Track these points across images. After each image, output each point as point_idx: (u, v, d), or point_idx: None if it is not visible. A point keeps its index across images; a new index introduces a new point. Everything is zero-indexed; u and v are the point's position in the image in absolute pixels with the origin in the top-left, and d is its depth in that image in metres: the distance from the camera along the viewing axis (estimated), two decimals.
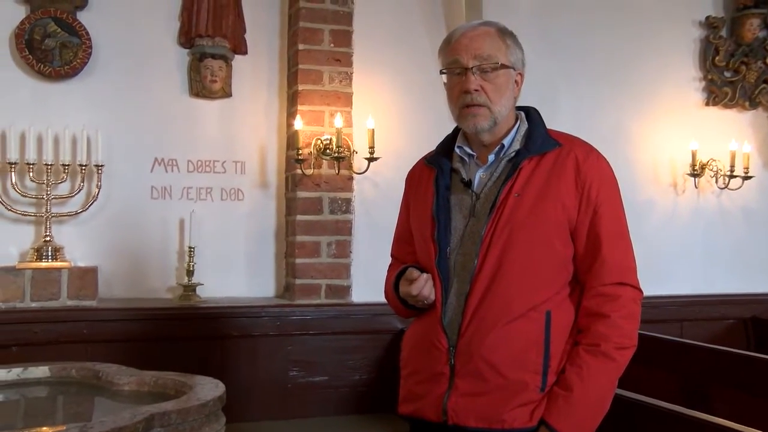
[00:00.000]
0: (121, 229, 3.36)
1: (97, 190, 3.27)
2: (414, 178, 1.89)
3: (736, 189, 4.08)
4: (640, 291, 1.66)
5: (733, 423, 2.04)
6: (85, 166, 3.25)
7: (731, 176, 4.03)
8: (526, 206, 1.63)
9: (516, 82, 1.72)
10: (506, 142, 1.71)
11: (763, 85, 4.23)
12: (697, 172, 4.01)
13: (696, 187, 4.07)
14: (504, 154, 1.71)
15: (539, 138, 1.70)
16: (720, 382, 3.04)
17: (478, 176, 1.72)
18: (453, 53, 1.69)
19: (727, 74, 4.19)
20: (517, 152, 1.69)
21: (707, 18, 4.18)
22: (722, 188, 4.09)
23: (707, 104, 4.18)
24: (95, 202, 3.28)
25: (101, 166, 3.26)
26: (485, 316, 1.61)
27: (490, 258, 1.62)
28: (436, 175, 1.76)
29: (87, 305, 3.11)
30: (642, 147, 4.00)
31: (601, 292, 1.62)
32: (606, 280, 1.63)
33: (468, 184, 1.71)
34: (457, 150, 1.77)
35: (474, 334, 1.62)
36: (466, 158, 1.76)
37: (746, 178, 4.05)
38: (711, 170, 4.05)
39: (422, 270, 1.72)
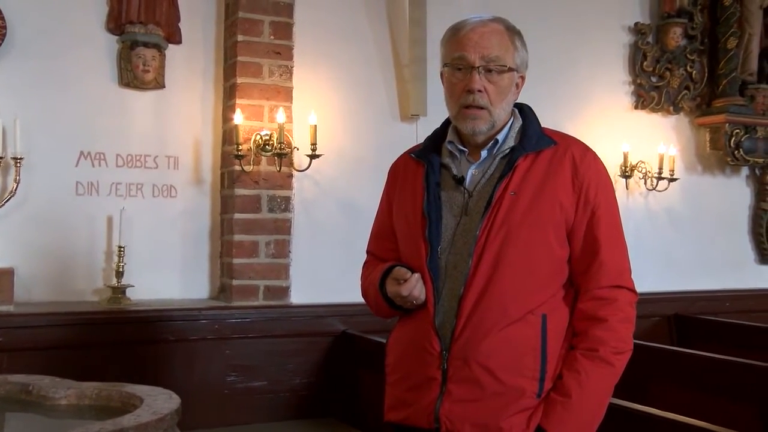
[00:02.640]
0: (41, 228, 3.11)
1: (14, 185, 3.02)
2: (398, 173, 1.79)
3: (662, 191, 4.23)
4: (636, 293, 1.64)
5: (672, 414, 2.12)
6: (1, 158, 2.99)
7: (659, 178, 4.18)
8: (522, 205, 1.58)
9: (517, 84, 1.68)
10: (500, 138, 1.66)
11: (685, 91, 4.42)
12: (627, 173, 4.13)
13: (626, 188, 4.20)
14: (498, 150, 1.66)
15: (534, 135, 1.66)
16: (655, 377, 3.14)
17: (471, 173, 1.66)
18: (460, 48, 1.62)
19: (654, 79, 4.34)
20: (512, 149, 1.65)
21: (636, 24, 4.32)
22: (650, 190, 4.24)
23: (636, 108, 4.33)
24: (12, 198, 3.02)
25: (20, 158, 3.00)
26: (481, 320, 1.55)
27: (486, 258, 1.57)
28: (426, 170, 1.68)
29: (3, 310, 2.86)
30: None
31: (598, 295, 1.59)
32: (603, 283, 1.59)
33: (460, 180, 1.65)
34: (447, 146, 1.71)
35: (469, 338, 1.56)
36: (456, 154, 1.69)
37: (672, 180, 4.21)
38: (640, 172, 4.19)
39: (410, 269, 1.64)
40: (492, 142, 1.66)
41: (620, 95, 4.30)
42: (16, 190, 3.02)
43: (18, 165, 3.00)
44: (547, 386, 1.57)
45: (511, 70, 1.63)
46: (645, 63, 4.30)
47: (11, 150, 2.99)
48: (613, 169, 4.18)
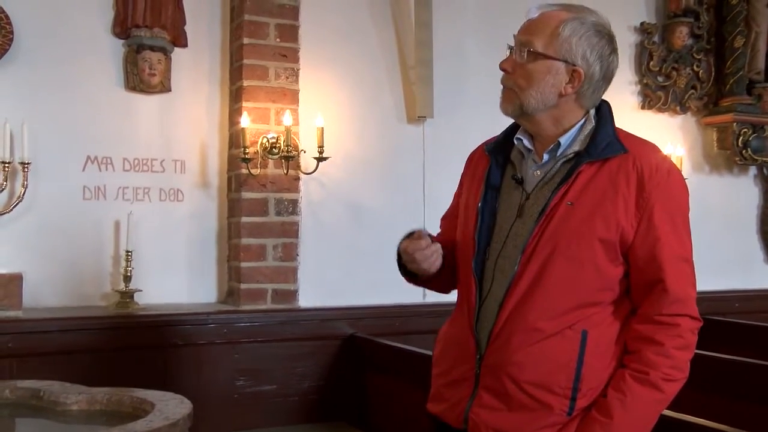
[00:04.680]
0: (49, 233, 3.10)
1: (22, 190, 3.01)
2: (472, 163, 1.75)
3: None
4: (699, 320, 1.53)
5: (679, 414, 2.11)
6: (9, 163, 2.98)
7: None
8: (577, 218, 1.50)
9: (567, 76, 1.54)
10: (563, 140, 1.57)
11: (692, 91, 4.40)
12: None
13: None
14: (561, 153, 1.57)
15: (604, 140, 1.54)
16: None
17: (532, 174, 1.60)
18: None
19: (660, 79, 4.32)
20: (577, 154, 1.55)
21: (642, 24, 4.30)
22: None
23: (643, 108, 4.31)
24: (20, 203, 3.02)
25: (27, 163, 2.99)
26: (515, 330, 1.51)
27: (531, 267, 1.51)
28: (489, 166, 1.64)
29: (11, 316, 2.85)
30: None
31: (657, 320, 1.50)
32: (664, 311, 1.50)
33: (521, 180, 1.60)
34: (515, 141, 1.64)
35: (502, 347, 1.52)
36: (524, 152, 1.63)
37: None
38: None
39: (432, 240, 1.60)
40: (554, 144, 1.58)
41: (626, 95, 4.27)
42: (23, 195, 3.01)
43: (25, 170, 3.00)
44: (581, 404, 1.50)
45: (542, 56, 1.54)
46: (651, 63, 4.28)
47: (19, 155, 2.99)
48: None
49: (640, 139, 1.60)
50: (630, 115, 4.26)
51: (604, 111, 1.62)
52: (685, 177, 4.20)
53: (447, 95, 3.64)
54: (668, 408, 2.16)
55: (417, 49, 3.61)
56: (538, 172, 1.59)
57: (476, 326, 1.57)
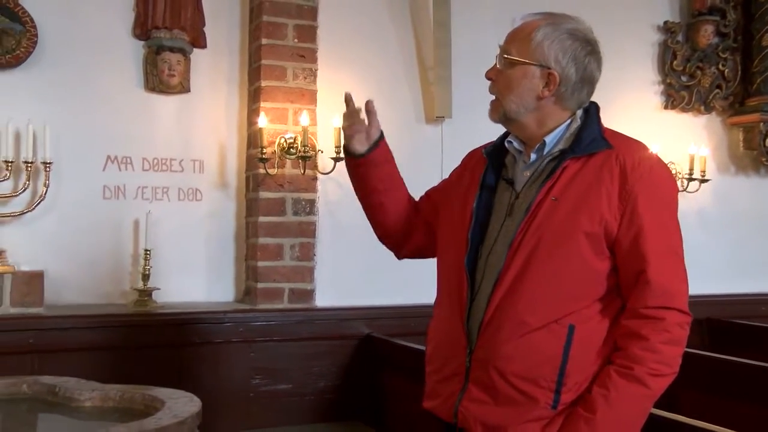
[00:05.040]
0: (70, 231, 3.15)
1: (44, 189, 3.06)
2: (471, 160, 1.82)
3: (693, 192, 4.14)
4: (688, 315, 1.53)
5: (703, 423, 2.06)
6: (31, 163, 3.03)
7: (690, 179, 4.09)
8: (562, 212, 1.53)
9: (543, 79, 1.60)
10: (548, 139, 1.62)
11: (717, 90, 4.32)
12: None
13: None
14: (547, 152, 1.62)
15: (588, 137, 1.58)
16: (683, 383, 3.07)
17: (521, 173, 1.66)
18: None
19: (684, 78, 4.26)
20: (562, 151, 1.60)
21: (665, 23, 4.24)
22: (681, 191, 4.15)
23: (666, 108, 4.24)
24: (42, 202, 3.07)
25: (49, 163, 3.04)
26: (502, 324, 1.54)
27: (516, 263, 1.54)
28: (485, 168, 1.71)
29: (33, 313, 2.90)
30: None
31: (643, 314, 1.51)
32: (649, 303, 1.50)
33: (511, 181, 1.66)
34: (506, 144, 1.71)
35: (490, 341, 1.55)
36: (515, 154, 1.69)
37: (703, 181, 4.12)
38: None
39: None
40: (540, 143, 1.63)
41: (649, 95, 4.22)
42: (45, 194, 3.06)
43: (47, 170, 3.04)
44: (566, 398, 1.51)
45: (517, 62, 1.60)
46: (675, 62, 4.21)
47: (41, 155, 3.03)
48: None
49: (627, 137, 1.64)
50: (653, 115, 4.21)
51: (591, 111, 1.65)
52: (709, 178, 4.20)
53: (466, 95, 3.62)
54: (688, 416, 2.13)
55: (435, 50, 3.60)
56: (527, 172, 1.64)
57: (467, 322, 1.60)
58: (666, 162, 4.05)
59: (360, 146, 1.83)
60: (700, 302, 4.12)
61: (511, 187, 1.66)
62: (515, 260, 1.55)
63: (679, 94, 4.23)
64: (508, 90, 1.63)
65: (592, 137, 1.58)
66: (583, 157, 1.56)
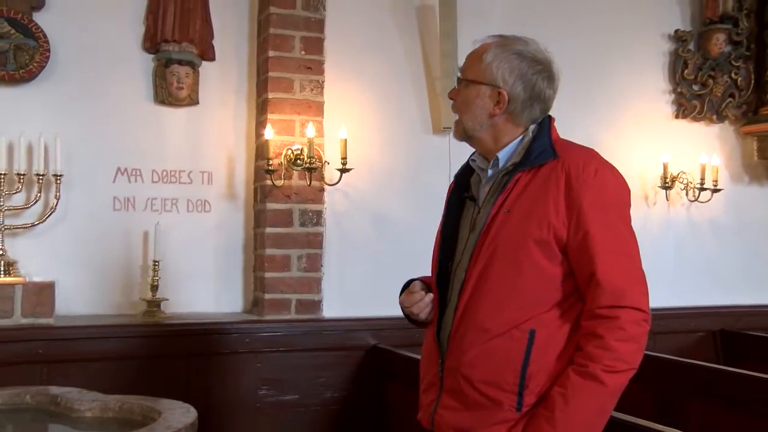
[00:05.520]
0: (81, 242, 3.20)
1: (55, 201, 3.11)
2: (450, 188, 1.90)
3: (705, 202, 4.10)
4: (644, 312, 1.58)
5: None
6: (43, 175, 3.09)
7: (701, 189, 4.05)
8: (513, 222, 1.61)
9: (494, 98, 1.69)
10: (500, 155, 1.71)
11: (729, 99, 4.28)
12: (668, 184, 4.02)
13: (667, 200, 4.09)
14: (502, 167, 1.71)
15: (537, 149, 1.66)
16: (693, 396, 3.03)
17: (482, 189, 1.74)
18: None
19: (696, 87, 4.22)
20: (515, 165, 1.68)
21: (676, 32, 4.21)
22: (692, 201, 4.12)
23: (677, 117, 4.21)
24: (53, 214, 3.12)
25: (60, 175, 3.09)
26: (465, 333, 1.63)
27: (475, 273, 1.63)
28: (452, 188, 1.82)
29: (43, 323, 2.94)
30: (614, 159, 3.92)
31: (597, 314, 1.57)
32: (602, 303, 1.56)
33: (472, 198, 1.75)
34: (470, 162, 1.81)
35: (457, 350, 1.64)
36: (479, 171, 1.78)
37: (715, 191, 4.08)
38: (681, 183, 4.08)
39: (428, 286, 1.79)
40: (494, 159, 1.72)
41: (660, 104, 4.18)
42: (56, 206, 3.11)
43: (58, 182, 3.10)
44: (528, 400, 1.58)
45: (473, 82, 1.70)
46: (686, 71, 4.18)
47: (52, 167, 3.09)
48: (652, 180, 4.08)
49: (576, 146, 1.71)
50: (663, 124, 4.18)
51: (543, 124, 1.73)
52: (721, 188, 4.15)
53: None
54: (699, 430, 2.07)
55: (442, 61, 3.61)
56: (487, 187, 1.73)
57: (439, 334, 1.71)
58: (677, 172, 4.04)
59: (430, 314, 1.80)
60: (713, 313, 4.12)
61: (474, 203, 1.75)
62: (474, 271, 1.63)
63: (691, 103, 4.19)
64: (465, 108, 1.72)
65: (541, 149, 1.66)
66: (534, 169, 1.64)
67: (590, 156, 1.66)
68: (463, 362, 1.62)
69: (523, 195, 1.63)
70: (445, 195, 1.89)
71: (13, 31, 3.05)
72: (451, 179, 1.93)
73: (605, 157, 1.70)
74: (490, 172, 1.73)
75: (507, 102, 1.68)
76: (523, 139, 1.71)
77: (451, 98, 1.78)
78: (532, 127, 1.72)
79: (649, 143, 4.09)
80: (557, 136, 1.73)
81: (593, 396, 1.54)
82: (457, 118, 1.76)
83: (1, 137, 3.01)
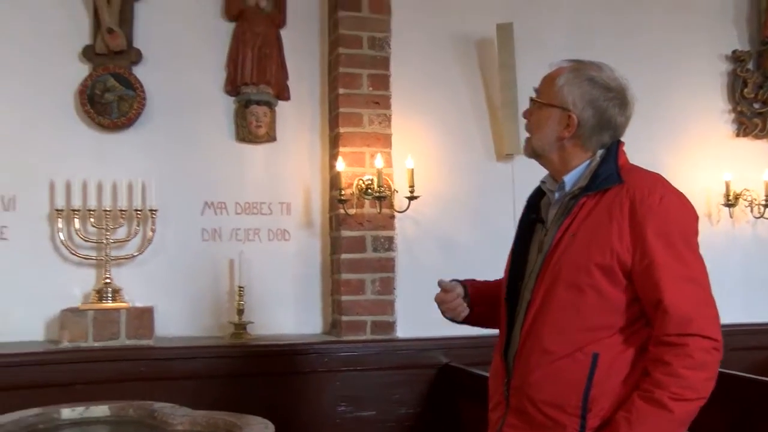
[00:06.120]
0: (174, 271, 3.50)
1: (151, 234, 3.42)
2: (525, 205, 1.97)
3: None
4: (714, 339, 1.55)
5: None
6: (141, 210, 3.41)
7: (766, 205, 4.07)
8: (577, 247, 1.64)
9: (564, 121, 1.73)
10: (566, 179, 1.75)
11: None
12: (731, 202, 4.06)
13: (731, 217, 4.12)
14: (568, 191, 1.74)
15: (603, 174, 1.68)
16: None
17: (551, 212, 1.79)
18: None
19: (756, 106, 4.25)
20: (581, 189, 1.71)
21: (734, 52, 4.26)
22: (758, 217, 4.13)
23: (738, 135, 4.25)
24: (150, 245, 3.43)
25: (155, 210, 3.41)
26: (529, 354, 1.66)
27: (539, 295, 1.67)
28: (525, 209, 1.88)
29: (144, 344, 3.24)
30: (676, 180, 3.98)
31: (665, 340, 1.56)
32: (670, 331, 1.55)
33: (542, 220, 1.80)
34: (540, 184, 1.87)
35: (522, 370, 1.68)
36: (548, 193, 1.83)
37: None
38: (745, 200, 4.11)
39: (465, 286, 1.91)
40: (560, 183, 1.77)
41: (720, 124, 4.24)
42: (152, 238, 3.43)
43: (154, 216, 3.41)
44: (592, 424, 1.59)
45: (543, 104, 1.76)
46: (746, 90, 4.22)
47: (149, 203, 3.41)
48: (715, 198, 4.13)
49: (644, 171, 1.72)
50: (724, 143, 4.23)
51: (611, 148, 1.75)
52: None
53: None
54: None
55: (502, 91, 3.78)
56: (554, 210, 1.78)
57: (506, 353, 1.76)
58: (740, 190, 4.03)
59: (456, 316, 1.95)
60: None
61: (543, 225, 1.79)
62: (539, 293, 1.67)
63: (752, 121, 4.23)
64: (536, 129, 1.79)
65: (607, 174, 1.68)
66: (599, 193, 1.66)
67: (656, 182, 1.66)
68: (527, 383, 1.64)
69: (587, 219, 1.65)
70: (511, 217, 2.02)
71: (117, 84, 3.40)
72: (515, 203, 2.07)
73: (669, 178, 1.71)
74: (557, 195, 1.76)
75: (576, 126, 1.71)
76: (590, 163, 1.74)
77: (524, 117, 1.84)
78: (600, 151, 1.74)
79: (711, 162, 4.14)
80: (624, 161, 1.74)
81: (659, 423, 1.52)
82: (528, 136, 1.82)
83: (107, 178, 3.36)
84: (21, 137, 3.37)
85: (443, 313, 1.93)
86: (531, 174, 4.05)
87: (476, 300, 1.94)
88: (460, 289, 1.91)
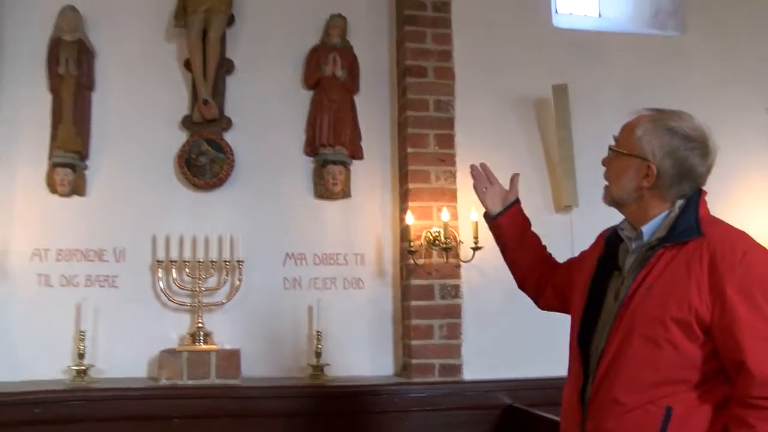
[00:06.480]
0: (259, 316, 3.83)
1: (238, 283, 3.77)
2: (597, 243, 1.95)
3: None
4: None
5: None
6: (229, 262, 3.77)
7: None
8: (654, 300, 1.61)
9: (643, 171, 1.71)
10: (645, 229, 1.73)
11: None
12: None
13: None
14: (646, 241, 1.72)
15: (683, 225, 1.65)
16: None
17: (628, 260, 1.76)
18: None
19: None
20: (659, 240, 1.68)
21: None
22: None
23: None
24: (237, 293, 3.78)
25: (242, 261, 3.77)
26: (604, 401, 1.66)
27: (613, 345, 1.65)
28: (602, 253, 1.84)
29: (232, 383, 3.54)
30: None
31: (749, 403, 1.53)
32: (754, 393, 1.52)
33: (619, 267, 1.78)
34: (618, 231, 1.84)
35: (596, 416, 1.67)
36: (626, 240, 1.80)
37: None
38: None
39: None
40: (638, 233, 1.74)
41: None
42: (239, 286, 3.78)
43: (240, 266, 3.77)
44: None
45: (622, 154, 1.74)
46: None
47: (236, 255, 3.77)
48: None
49: (726, 225, 1.68)
50: None
51: (692, 199, 1.71)
52: None
53: (590, 185, 3.97)
54: None
55: (559, 147, 4.02)
56: (631, 259, 1.76)
57: (582, 396, 1.74)
58: None
59: (493, 207, 2.12)
60: None
61: (620, 272, 1.77)
62: (612, 343, 1.66)
63: None
64: (614, 178, 1.77)
65: (686, 225, 1.64)
66: (678, 245, 1.62)
67: (738, 236, 1.62)
68: (603, 429, 1.63)
69: (665, 272, 1.61)
70: (590, 249, 1.95)
71: (210, 148, 3.83)
72: (573, 251, 2.09)
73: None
74: (634, 245, 1.74)
75: (655, 176, 1.68)
76: (669, 213, 1.70)
77: (603, 165, 1.80)
78: (680, 202, 1.70)
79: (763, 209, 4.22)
80: (705, 212, 1.69)
81: None
82: (607, 184, 1.79)
83: (200, 232, 3.75)
84: (131, 197, 3.83)
85: (478, 190, 2.10)
86: (589, 223, 4.23)
87: (517, 221, 2.09)
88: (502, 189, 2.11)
